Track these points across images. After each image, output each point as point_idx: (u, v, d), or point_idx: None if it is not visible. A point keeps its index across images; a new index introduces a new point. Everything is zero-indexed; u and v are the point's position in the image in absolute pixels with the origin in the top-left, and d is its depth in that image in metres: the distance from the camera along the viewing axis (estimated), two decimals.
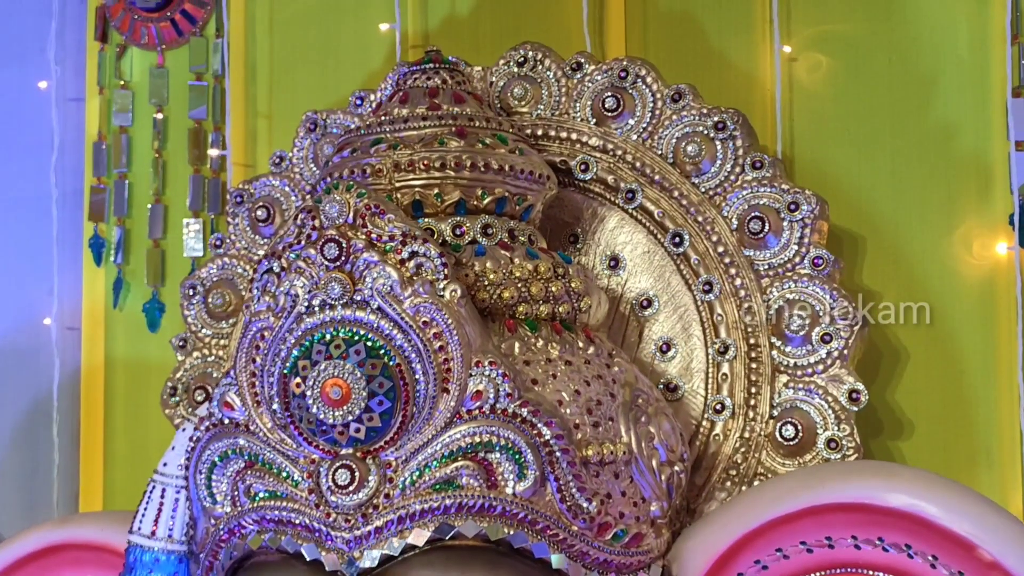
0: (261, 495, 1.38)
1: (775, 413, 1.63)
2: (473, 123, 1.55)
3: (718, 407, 1.65)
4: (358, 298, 1.33)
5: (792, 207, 1.66)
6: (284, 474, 1.37)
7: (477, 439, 1.32)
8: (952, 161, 1.86)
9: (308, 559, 1.35)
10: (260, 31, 2.15)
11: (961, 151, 1.85)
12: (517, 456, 1.32)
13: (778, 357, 1.65)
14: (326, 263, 1.34)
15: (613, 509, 1.40)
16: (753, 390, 1.64)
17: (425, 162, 1.49)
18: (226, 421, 1.40)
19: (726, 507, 1.49)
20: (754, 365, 1.65)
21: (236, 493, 1.39)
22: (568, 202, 1.75)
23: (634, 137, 1.74)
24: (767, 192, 1.68)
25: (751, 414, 1.64)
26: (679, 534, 1.50)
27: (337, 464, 1.33)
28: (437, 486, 1.33)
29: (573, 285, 1.50)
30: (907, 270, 1.85)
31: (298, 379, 1.33)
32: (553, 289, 1.47)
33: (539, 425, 1.32)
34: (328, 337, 1.33)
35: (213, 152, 2.08)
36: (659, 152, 1.73)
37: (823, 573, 1.42)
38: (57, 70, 2.14)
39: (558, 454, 1.34)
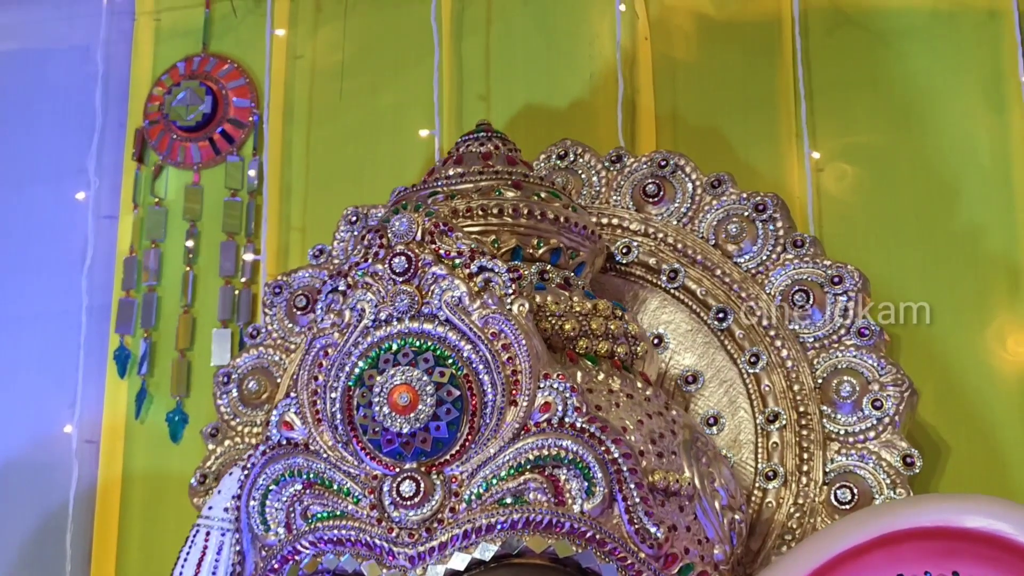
0: (319, 516, 1.33)
1: (829, 479, 1.61)
2: (528, 179, 1.58)
3: (770, 474, 1.62)
4: (426, 311, 1.32)
5: (835, 280, 1.68)
6: (344, 491, 1.33)
7: (545, 452, 1.29)
8: (981, 261, 1.90)
9: None
10: (296, 151, 2.21)
11: (989, 252, 1.90)
12: (586, 472, 1.29)
13: (828, 425, 1.64)
14: (394, 277, 1.34)
15: (679, 543, 1.36)
16: (805, 456, 1.62)
17: (483, 208, 1.51)
18: (284, 442, 1.36)
19: (792, 549, 1.44)
20: (805, 432, 1.63)
21: (292, 517, 1.35)
22: (609, 287, 1.77)
23: (674, 222, 1.77)
24: (809, 268, 1.71)
25: (804, 480, 1.61)
26: None
27: (402, 477, 1.30)
28: (504, 500, 1.29)
29: (631, 328, 1.50)
30: (943, 368, 1.86)
31: (364, 389, 1.31)
32: (612, 327, 1.47)
33: (607, 442, 1.30)
34: (395, 347, 1.32)
35: (247, 257, 2.10)
36: (700, 235, 1.76)
37: None
38: (95, 180, 2.17)
39: (626, 474, 1.30)
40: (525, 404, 1.31)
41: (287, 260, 2.14)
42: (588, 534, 1.29)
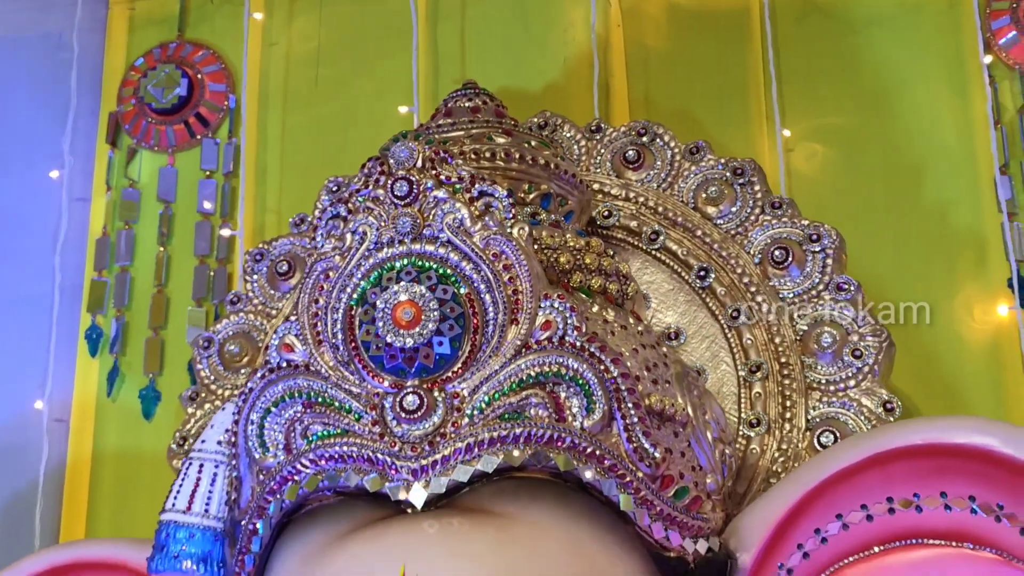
0: (320, 435, 1.32)
1: (812, 425, 1.63)
2: (518, 128, 1.61)
3: (754, 421, 1.64)
4: (428, 233, 1.34)
5: (813, 238, 1.72)
6: (346, 409, 1.32)
7: (547, 368, 1.30)
8: (949, 235, 1.96)
9: (371, 491, 1.28)
10: (272, 135, 2.23)
11: (956, 227, 1.96)
12: (586, 389, 1.30)
13: (810, 375, 1.66)
14: (395, 201, 1.35)
15: (674, 466, 1.37)
16: (788, 404, 1.65)
17: (475, 152, 1.53)
18: (284, 365, 1.36)
19: (788, 475, 1.46)
20: (787, 382, 1.66)
21: (291, 437, 1.34)
22: None
23: (655, 186, 1.81)
24: (787, 228, 1.74)
25: (787, 427, 1.64)
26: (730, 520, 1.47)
27: (405, 392, 1.30)
28: (506, 415, 1.29)
29: (622, 267, 1.53)
30: (917, 339, 1.90)
31: (367, 307, 1.32)
32: (605, 264, 1.49)
33: (606, 361, 1.31)
34: (398, 267, 1.33)
35: (224, 232, 2.10)
36: (680, 199, 1.80)
37: (881, 548, 1.38)
38: (70, 159, 2.17)
39: (624, 393, 1.31)
40: (526, 323, 1.32)
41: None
42: (588, 450, 1.30)
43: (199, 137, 2.22)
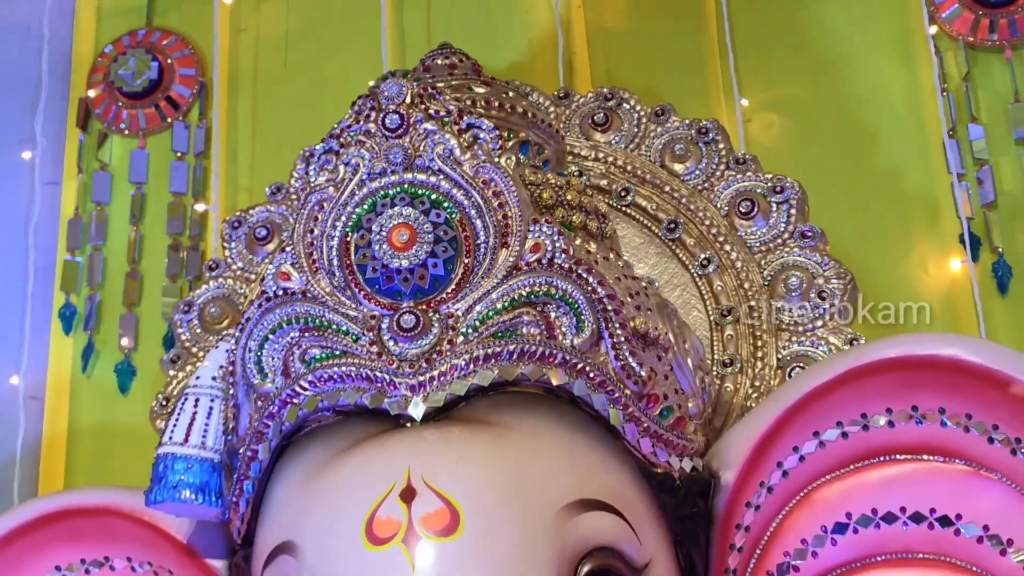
0: (318, 357, 1.36)
1: (782, 363, 1.70)
2: (495, 81, 1.67)
3: (727, 361, 1.70)
4: (419, 163, 1.39)
5: (777, 190, 1.80)
6: (344, 331, 1.35)
7: (537, 288, 1.35)
8: (901, 198, 2.05)
9: (371, 407, 1.32)
10: (242, 117, 2.27)
11: (908, 189, 2.05)
12: (575, 308, 1.35)
13: (779, 317, 1.73)
14: (386, 134, 1.40)
15: (659, 387, 1.42)
16: (759, 344, 1.71)
17: (456, 100, 1.58)
18: (280, 293, 1.39)
19: (765, 398, 1.52)
20: (757, 323, 1.72)
21: (290, 362, 1.37)
22: None
23: (623, 147, 1.88)
24: (752, 181, 1.82)
25: (759, 365, 1.70)
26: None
27: (401, 312, 1.34)
28: (499, 333, 1.34)
29: (601, 207, 1.59)
30: (873, 298, 1.97)
31: (363, 232, 1.36)
32: (585, 201, 1.55)
33: (593, 283, 1.36)
34: (392, 194, 1.37)
35: (199, 207, 2.13)
36: (648, 158, 1.86)
37: (856, 466, 1.43)
38: (42, 140, 2.19)
39: (611, 313, 1.37)
40: (516, 246, 1.37)
41: None
42: (579, 366, 1.34)
43: (170, 120, 2.26)
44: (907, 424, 1.40)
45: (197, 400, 1.47)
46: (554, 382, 1.33)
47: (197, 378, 1.49)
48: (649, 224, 1.82)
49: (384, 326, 1.34)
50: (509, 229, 1.37)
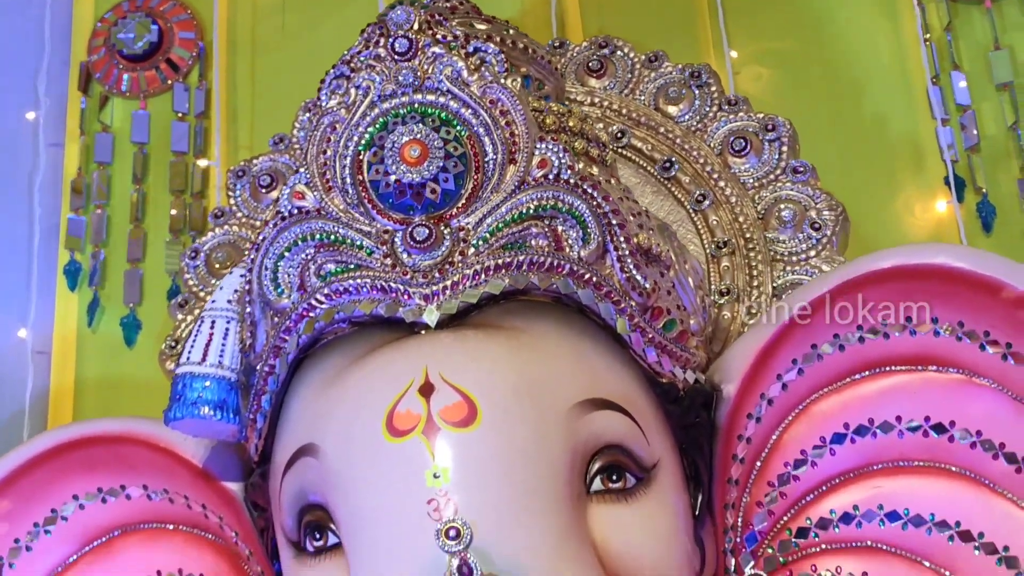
0: (333, 271, 1.39)
1: (778, 292, 1.74)
2: (496, 19, 1.72)
3: (723, 291, 1.74)
4: (428, 85, 1.43)
5: (769, 128, 1.85)
6: (358, 245, 1.39)
7: (545, 202, 1.39)
8: (888, 145, 2.11)
9: (386, 316, 1.35)
10: (241, 79, 2.31)
11: (894, 136, 2.11)
12: (581, 221, 1.40)
13: (773, 248, 1.78)
14: (396, 57, 1.45)
15: (662, 301, 1.46)
16: (755, 274, 1.75)
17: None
18: (295, 212, 1.43)
19: (763, 317, 1.57)
20: (752, 254, 1.77)
21: (306, 277, 1.40)
22: None
23: (617, 92, 1.93)
24: (744, 121, 1.87)
25: (755, 294, 1.74)
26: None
27: (414, 225, 1.38)
28: (508, 245, 1.38)
29: (601, 136, 1.63)
30: (862, 239, 2.03)
31: (375, 150, 1.40)
32: (586, 128, 1.60)
33: (598, 198, 1.41)
34: (402, 114, 1.42)
35: (201, 163, 2.17)
36: (642, 102, 1.91)
37: (853, 378, 1.47)
38: (45, 100, 2.23)
39: (616, 228, 1.41)
40: (524, 162, 1.41)
41: None
42: (586, 276, 1.39)
43: (170, 82, 2.30)
44: (901, 335, 1.44)
45: (213, 322, 1.50)
46: (562, 291, 1.37)
47: (213, 301, 1.53)
48: (645, 164, 1.87)
49: (398, 239, 1.38)
50: (516, 146, 1.42)
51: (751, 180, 1.82)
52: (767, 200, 1.80)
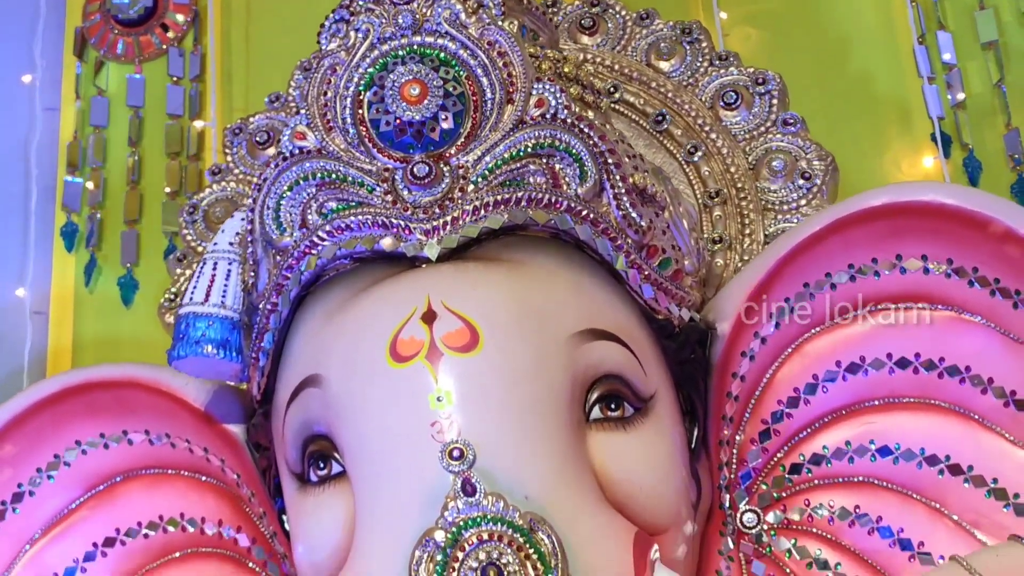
0: (335, 209, 1.41)
1: (769, 239, 1.77)
2: None
3: (716, 239, 1.77)
4: (427, 27, 1.46)
5: (759, 81, 1.88)
6: (359, 183, 1.42)
7: (542, 140, 1.42)
8: (874, 103, 2.15)
9: (388, 251, 1.38)
10: (236, 42, 2.33)
11: (880, 94, 2.15)
12: (578, 159, 1.42)
13: (764, 198, 1.80)
14: (395, 1, 1.47)
15: (658, 240, 1.49)
16: (747, 222, 1.78)
17: None
18: (297, 152, 1.45)
19: (759, 254, 1.59)
20: (744, 203, 1.80)
21: (307, 215, 1.42)
22: None
23: (609, 48, 1.95)
24: (735, 75, 1.90)
25: (747, 242, 1.77)
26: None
27: (414, 163, 1.41)
28: (507, 182, 1.41)
29: (596, 83, 1.66)
30: (851, 195, 2.06)
31: (375, 89, 1.42)
32: (582, 75, 1.62)
33: (594, 137, 1.44)
34: (402, 55, 1.44)
35: (197, 124, 2.19)
36: (634, 58, 1.94)
37: (843, 318, 1.50)
38: (41, 62, 2.24)
39: (612, 167, 1.44)
40: (521, 101, 1.44)
41: None
42: (583, 213, 1.41)
43: (165, 47, 2.32)
44: (891, 273, 1.47)
45: (216, 263, 1.52)
46: (560, 226, 1.40)
47: (215, 244, 1.55)
48: (637, 119, 1.89)
49: (398, 176, 1.41)
50: (514, 86, 1.44)
51: (742, 133, 1.85)
52: (758, 151, 1.83)
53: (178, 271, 1.92)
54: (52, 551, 1.60)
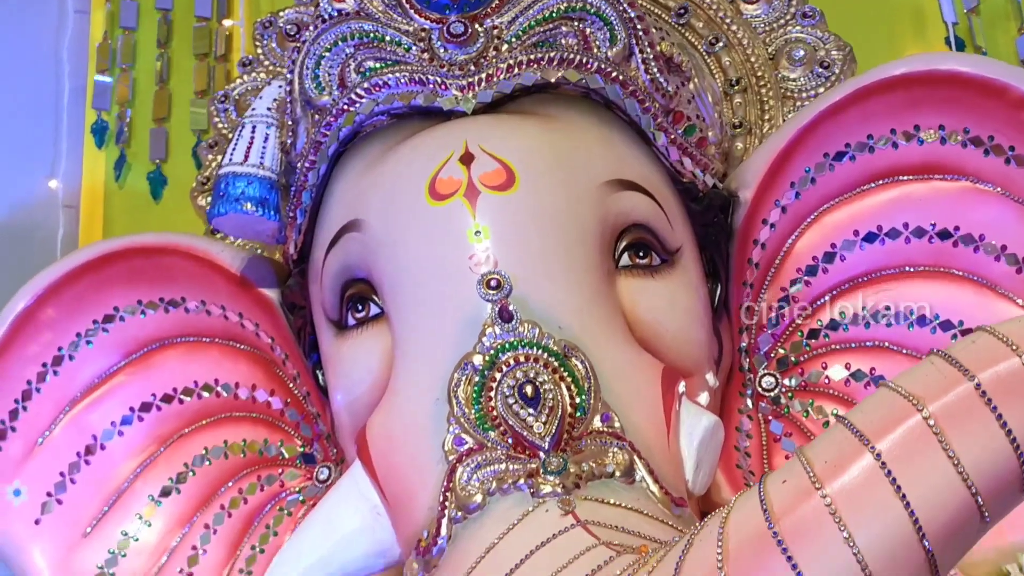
0: (372, 68, 1.46)
1: None
2: None
3: (736, 124, 1.82)
4: None
5: None
6: (396, 42, 1.46)
7: (573, 4, 1.46)
8: (889, 6, 2.19)
9: (424, 105, 1.43)
10: None
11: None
12: (608, 24, 1.47)
13: (784, 86, 1.85)
14: None
15: (683, 107, 1.54)
16: (766, 108, 1.83)
17: None
18: (336, 14, 1.49)
19: (782, 125, 1.64)
20: (764, 91, 1.84)
21: (346, 73, 1.47)
22: None
23: None
24: None
25: (766, 127, 1.81)
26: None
27: (451, 22, 1.45)
28: (539, 43, 1.45)
29: None
30: None
31: None
32: None
33: (624, 4, 1.48)
34: None
35: (226, 23, 2.24)
36: None
37: (863, 188, 1.54)
38: None
39: (641, 33, 1.49)
40: None
41: None
42: (613, 74, 1.46)
43: None
44: (909, 144, 1.51)
45: (254, 127, 1.57)
46: (591, 85, 1.45)
47: (253, 109, 1.59)
48: (659, 12, 1.93)
49: (435, 35, 1.46)
50: None
51: (762, 25, 1.89)
52: (778, 42, 1.87)
53: (209, 157, 1.97)
54: (91, 414, 1.64)
